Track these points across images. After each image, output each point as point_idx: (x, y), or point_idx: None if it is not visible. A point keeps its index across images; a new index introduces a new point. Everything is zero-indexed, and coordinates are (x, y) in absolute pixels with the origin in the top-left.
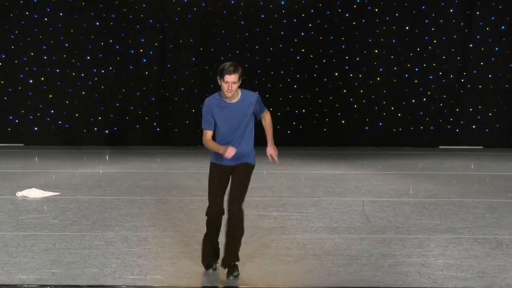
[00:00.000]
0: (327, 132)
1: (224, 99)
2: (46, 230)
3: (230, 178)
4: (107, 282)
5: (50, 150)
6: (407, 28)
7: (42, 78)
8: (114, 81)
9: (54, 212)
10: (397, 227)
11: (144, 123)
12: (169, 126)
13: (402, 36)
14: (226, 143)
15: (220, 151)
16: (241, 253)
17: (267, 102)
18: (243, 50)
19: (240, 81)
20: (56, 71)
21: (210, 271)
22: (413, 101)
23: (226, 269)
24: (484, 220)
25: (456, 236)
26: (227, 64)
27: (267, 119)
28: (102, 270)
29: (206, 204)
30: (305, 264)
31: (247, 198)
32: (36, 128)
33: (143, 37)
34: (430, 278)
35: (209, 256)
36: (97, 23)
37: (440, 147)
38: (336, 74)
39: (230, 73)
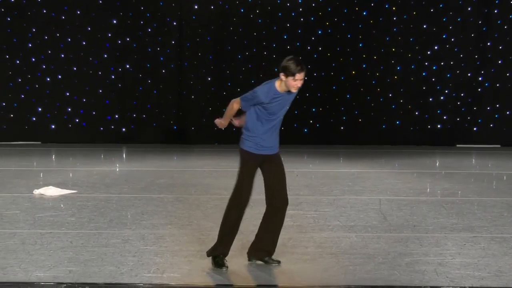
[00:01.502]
0: (344, 131)
1: (280, 91)
2: (63, 228)
3: (266, 168)
4: (123, 280)
5: (67, 148)
6: (424, 26)
7: (60, 76)
8: (131, 80)
9: (71, 210)
10: (414, 226)
11: (161, 121)
12: (186, 125)
13: (420, 34)
14: (262, 132)
15: (224, 118)
16: None
17: None
18: (260, 48)
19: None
20: (74, 69)
21: (224, 269)
22: (431, 99)
23: (266, 258)
24: (501, 219)
25: (473, 235)
26: (295, 61)
27: None
28: (118, 268)
29: (223, 202)
30: (322, 263)
31: (264, 197)
32: (53, 126)
33: (160, 36)
34: (447, 277)
35: (228, 246)
36: (114, 21)
37: (458, 145)
38: (353, 72)
39: (301, 71)
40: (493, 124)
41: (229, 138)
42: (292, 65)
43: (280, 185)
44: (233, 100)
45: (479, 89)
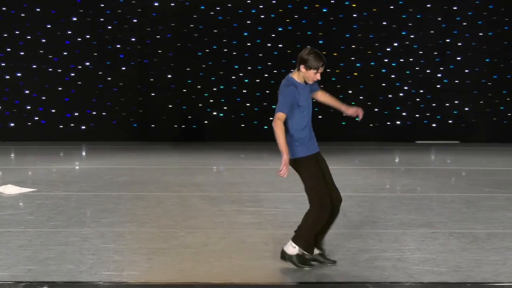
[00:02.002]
0: None
1: (298, 81)
2: (21, 227)
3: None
4: (83, 279)
5: (27, 146)
6: (384, 23)
7: (19, 74)
8: (91, 77)
9: (30, 208)
10: (374, 222)
11: (121, 118)
12: (146, 122)
13: (379, 31)
14: (304, 133)
15: (283, 156)
16: (217, 249)
17: (244, 97)
18: (221, 45)
19: None
20: (33, 67)
21: (306, 268)
22: (390, 96)
23: (321, 255)
24: (460, 214)
25: (432, 230)
26: (317, 55)
27: (322, 92)
28: (78, 266)
29: (183, 199)
30: (281, 260)
31: (225, 193)
32: (12, 124)
33: (120, 33)
34: (406, 273)
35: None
36: (74, 19)
37: (417, 142)
38: None
39: (323, 66)
40: (452, 120)
41: (189, 136)
42: (315, 59)
43: (333, 183)
44: (274, 124)
45: (438, 86)
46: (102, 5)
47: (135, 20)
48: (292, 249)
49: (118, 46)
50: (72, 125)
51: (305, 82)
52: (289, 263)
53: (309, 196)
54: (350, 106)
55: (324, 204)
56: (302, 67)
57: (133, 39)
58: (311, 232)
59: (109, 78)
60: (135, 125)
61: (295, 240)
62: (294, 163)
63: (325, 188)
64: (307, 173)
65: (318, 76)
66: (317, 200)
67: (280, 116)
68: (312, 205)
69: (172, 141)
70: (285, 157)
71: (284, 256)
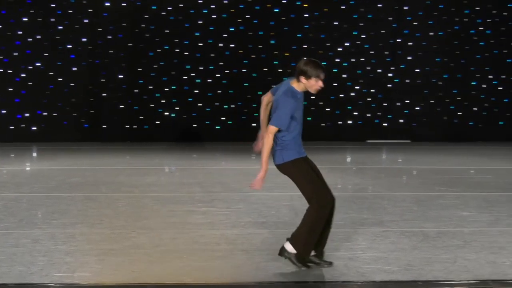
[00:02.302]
0: (256, 128)
1: (298, 91)
2: None
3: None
4: (34, 280)
5: None
6: (335, 23)
7: None
8: (42, 77)
9: None
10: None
11: (73, 119)
12: (98, 122)
13: (331, 31)
14: (298, 134)
15: (261, 172)
16: (169, 249)
17: (197, 97)
18: (172, 45)
19: None
20: None
21: (304, 268)
22: (341, 95)
23: (315, 258)
24: (411, 213)
25: (383, 229)
26: (315, 62)
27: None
28: (29, 268)
29: (134, 200)
30: (233, 259)
31: (176, 194)
32: None
33: (71, 33)
34: (357, 272)
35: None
36: (25, 19)
37: (368, 141)
38: (266, 69)
39: (324, 72)
40: (403, 119)
41: (141, 136)
42: (313, 68)
43: (325, 183)
44: (265, 137)
45: (389, 85)
46: (53, 5)
47: (86, 21)
48: (292, 247)
49: (69, 46)
50: (23, 126)
51: (304, 92)
52: (243, 262)
53: (307, 195)
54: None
55: (323, 203)
56: (302, 79)
57: (84, 40)
58: (310, 233)
59: (60, 79)
60: (86, 125)
61: (292, 241)
62: (284, 167)
63: (322, 186)
64: (300, 173)
65: (320, 84)
66: (315, 199)
67: (273, 130)
68: (311, 204)
69: (124, 141)
70: (262, 174)
71: (282, 253)
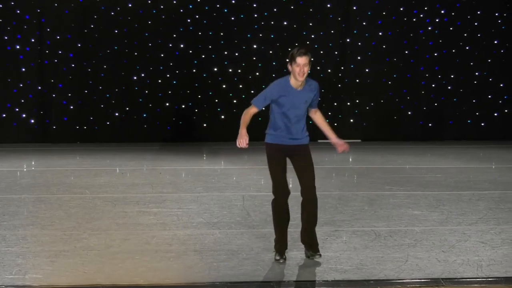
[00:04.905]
0: (207, 127)
1: (292, 86)
2: None
3: (294, 160)
4: None
5: None
6: (285, 23)
7: None
8: None
9: None
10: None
11: (22, 120)
12: (47, 123)
13: (280, 31)
14: (285, 125)
15: (240, 133)
16: (121, 250)
17: (146, 98)
18: (122, 46)
19: (310, 66)
20: None
21: (281, 261)
22: None
23: (305, 250)
24: (362, 212)
25: (335, 229)
26: (297, 47)
27: (319, 114)
28: None
29: (85, 201)
30: (186, 260)
31: (128, 195)
32: None
33: (19, 33)
34: (310, 271)
35: (284, 243)
36: None
37: (319, 141)
38: (216, 69)
39: (301, 55)
40: (353, 119)
41: (92, 137)
42: (293, 51)
43: (307, 177)
44: (245, 111)
45: (339, 85)
46: (0, 6)
47: (34, 21)
48: None
49: (18, 47)
50: None
51: (303, 91)
52: (195, 263)
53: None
54: (339, 139)
55: (276, 196)
56: (288, 66)
57: (32, 40)
58: (276, 225)
59: (9, 80)
60: (36, 126)
61: None
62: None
63: (281, 180)
64: (267, 160)
65: (298, 70)
66: (272, 191)
67: (249, 110)
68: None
69: (74, 142)
70: (240, 130)
71: None
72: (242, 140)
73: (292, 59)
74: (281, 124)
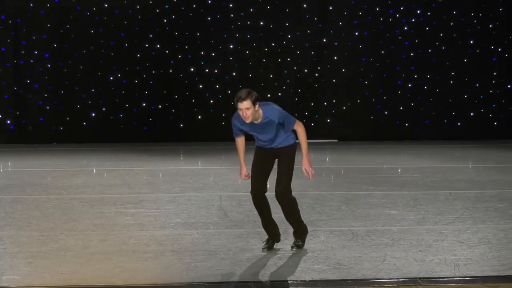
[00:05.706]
0: (183, 128)
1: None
2: None
3: (278, 162)
4: None
5: None
6: (261, 23)
7: None
8: None
9: None
10: (255, 221)
11: None
12: (23, 124)
13: (256, 31)
14: (262, 141)
15: (240, 169)
16: (98, 251)
17: (122, 98)
18: (98, 46)
19: (255, 105)
20: None
21: (264, 247)
22: (268, 95)
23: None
24: (339, 212)
25: (312, 228)
26: (240, 92)
27: (299, 132)
28: None
29: (62, 202)
30: (163, 260)
31: (105, 195)
32: None
33: None
34: (287, 271)
35: (271, 234)
36: None
37: (296, 141)
38: (192, 69)
39: (241, 100)
40: (330, 119)
41: (68, 137)
42: (235, 96)
43: (277, 177)
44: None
45: (315, 85)
46: None
47: (10, 21)
48: None
49: None
50: None
51: (259, 121)
52: (173, 263)
53: None
54: (308, 165)
55: (251, 192)
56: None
57: (8, 40)
58: (260, 219)
59: None
60: (12, 127)
61: None
62: None
63: (257, 177)
64: (252, 161)
65: (244, 112)
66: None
67: (236, 141)
68: None
69: (50, 143)
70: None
71: None
72: (240, 172)
73: (235, 104)
74: (259, 141)
